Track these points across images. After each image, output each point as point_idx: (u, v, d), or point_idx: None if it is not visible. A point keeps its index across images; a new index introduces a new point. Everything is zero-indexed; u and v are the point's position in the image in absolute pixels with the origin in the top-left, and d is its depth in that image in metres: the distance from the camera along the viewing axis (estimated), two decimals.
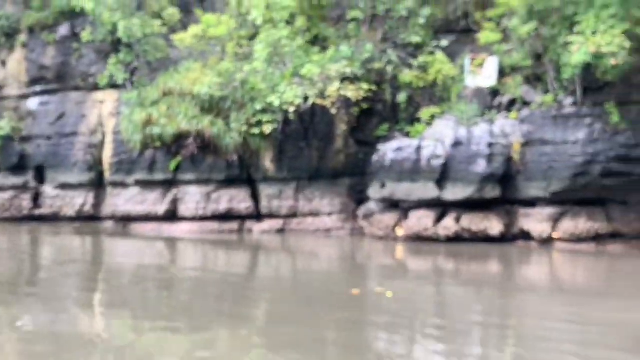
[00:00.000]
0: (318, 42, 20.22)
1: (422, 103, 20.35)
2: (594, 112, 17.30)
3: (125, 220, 20.82)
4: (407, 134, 19.90)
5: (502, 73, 20.11)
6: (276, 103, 17.79)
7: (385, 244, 18.14)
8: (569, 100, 17.82)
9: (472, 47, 20.58)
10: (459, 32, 21.11)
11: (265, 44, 18.44)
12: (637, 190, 18.10)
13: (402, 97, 19.90)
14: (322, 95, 17.54)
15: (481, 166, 17.60)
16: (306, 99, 17.77)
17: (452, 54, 20.97)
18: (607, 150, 16.95)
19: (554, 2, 16.70)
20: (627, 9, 14.95)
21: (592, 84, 17.72)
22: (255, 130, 18.65)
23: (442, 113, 19.17)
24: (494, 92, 19.70)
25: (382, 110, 20.37)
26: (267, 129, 18.34)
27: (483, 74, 20.01)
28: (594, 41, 14.92)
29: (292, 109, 17.84)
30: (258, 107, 18.37)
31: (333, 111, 18.09)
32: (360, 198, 20.10)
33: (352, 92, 17.80)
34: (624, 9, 14.93)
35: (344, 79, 18.72)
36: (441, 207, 18.30)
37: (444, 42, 20.39)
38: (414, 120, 20.06)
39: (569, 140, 17.30)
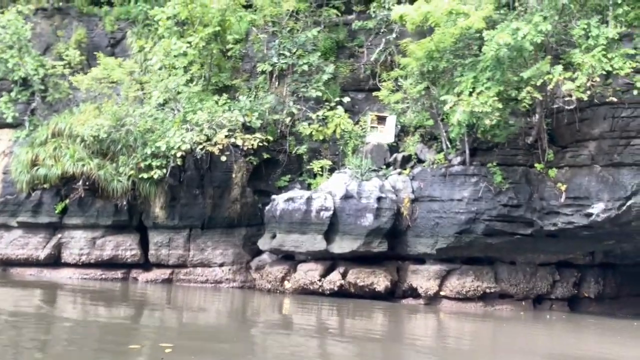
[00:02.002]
0: (227, 92, 20.24)
1: (326, 156, 20.49)
2: (481, 171, 17.66)
3: (6, 264, 19.67)
4: (309, 186, 19.86)
5: (406, 131, 20.56)
6: (163, 148, 17.49)
7: (271, 298, 17.61)
8: (458, 159, 18.18)
9: (378, 105, 21.04)
10: (367, 90, 21.59)
11: (161, 88, 18.30)
12: (523, 251, 18.39)
13: (302, 149, 19.98)
14: (210, 142, 17.33)
15: (369, 220, 17.55)
16: (197, 145, 17.52)
17: (359, 111, 21.39)
18: (490, 209, 17.21)
19: (441, 64, 17.23)
20: (503, 72, 15.53)
21: (482, 144, 18.22)
22: (145, 175, 18.20)
23: (332, 165, 19.31)
24: (394, 149, 20.03)
25: (285, 161, 20.36)
26: (156, 174, 17.93)
27: (383, 131, 20.40)
28: (469, 101, 15.36)
29: (179, 154, 17.56)
30: (148, 151, 18.01)
31: (222, 158, 17.88)
32: (256, 249, 19.67)
33: (242, 140, 17.68)
34: (500, 72, 15.51)
35: (245, 128, 18.71)
36: (330, 261, 18.05)
37: (346, 99, 20.76)
38: (316, 172, 20.11)
39: (455, 198, 17.52)
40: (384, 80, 20.82)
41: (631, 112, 15.95)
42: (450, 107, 16.46)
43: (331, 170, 19.91)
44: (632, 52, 14.97)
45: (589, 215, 16.16)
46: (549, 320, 17.45)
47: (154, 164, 18.04)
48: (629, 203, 15.72)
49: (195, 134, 17.19)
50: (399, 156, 19.58)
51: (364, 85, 21.64)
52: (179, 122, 17.74)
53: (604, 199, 16.04)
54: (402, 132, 20.44)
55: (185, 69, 18.85)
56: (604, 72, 14.97)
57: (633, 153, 15.81)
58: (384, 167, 19.38)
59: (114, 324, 12.98)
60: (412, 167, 19.07)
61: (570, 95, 15.68)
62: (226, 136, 17.31)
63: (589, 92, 14.96)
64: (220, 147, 17.25)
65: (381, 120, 20.47)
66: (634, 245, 18.31)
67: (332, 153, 20.53)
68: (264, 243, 18.53)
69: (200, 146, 17.44)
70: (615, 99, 15.46)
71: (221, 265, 19.31)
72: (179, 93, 18.17)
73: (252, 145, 18.14)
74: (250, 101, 19.15)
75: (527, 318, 17.44)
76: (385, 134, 20.26)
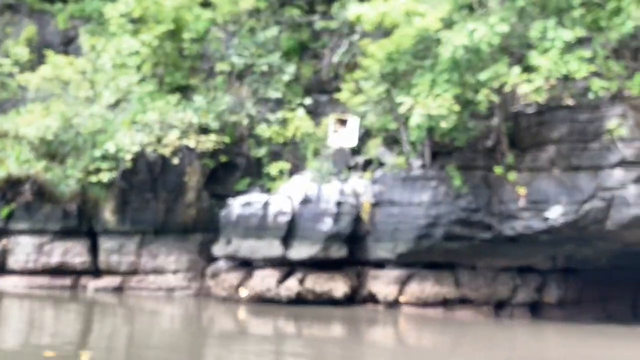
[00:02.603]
0: (184, 92, 19.62)
1: (288, 159, 20.00)
2: (440, 175, 17.35)
3: None
4: (269, 190, 19.35)
5: (370, 134, 20.18)
6: (112, 150, 16.80)
7: (225, 306, 17.01)
8: (418, 163, 17.86)
9: (343, 108, 20.64)
10: (330, 93, 21.16)
11: (113, 88, 17.63)
12: (484, 255, 18.12)
13: (261, 151, 19.47)
14: (160, 143, 16.71)
15: (327, 224, 17.12)
16: (147, 146, 16.87)
17: (322, 113, 20.93)
18: (448, 213, 16.90)
19: (400, 66, 16.88)
20: (460, 74, 15.24)
21: (443, 148, 17.92)
22: (94, 178, 17.48)
23: (293, 169, 18.83)
24: (357, 152, 19.63)
25: (245, 164, 19.82)
26: (105, 177, 17.22)
27: (345, 134, 20.00)
28: (424, 103, 15.04)
29: (128, 157, 16.89)
30: (97, 153, 17.30)
31: (175, 161, 17.26)
32: (213, 255, 19.05)
33: (194, 142, 17.09)
34: (457, 74, 15.22)
35: (202, 130, 18.14)
36: (288, 267, 17.54)
37: (308, 100, 20.31)
38: (274, 176, 19.59)
39: (414, 202, 17.18)
40: (347, 82, 20.46)
41: (588, 116, 15.81)
42: (407, 110, 16.16)
43: (292, 174, 19.46)
44: (587, 55, 14.79)
45: (547, 219, 15.96)
46: (510, 325, 17.23)
47: (103, 166, 17.33)
48: (585, 207, 15.58)
49: (145, 135, 16.54)
50: (361, 160, 19.21)
51: (328, 88, 21.21)
52: (129, 122, 17.07)
53: (562, 202, 15.86)
54: (366, 135, 20.07)
55: (138, 68, 18.19)
56: (562, 76, 14.76)
57: (590, 157, 15.68)
58: (346, 170, 18.97)
59: (45, 331, 12.32)
60: (373, 171, 18.71)
61: (527, 98, 15.50)
62: (178, 137, 16.68)
63: (546, 95, 14.74)
64: (172, 148, 16.63)
65: (343, 123, 20.08)
66: (594, 250, 18.20)
67: (294, 156, 20.06)
68: (219, 249, 17.95)
69: (151, 148, 16.79)
70: (571, 103, 15.29)
71: (175, 272, 18.64)
72: (130, 93, 17.50)
73: (207, 147, 17.55)
74: (207, 102, 18.58)
75: (488, 323, 17.19)
76: (347, 137, 19.86)
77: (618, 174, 15.47)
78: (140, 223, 18.54)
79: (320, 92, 21.33)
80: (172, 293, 18.43)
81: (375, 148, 19.29)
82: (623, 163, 15.47)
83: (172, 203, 18.65)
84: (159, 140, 16.78)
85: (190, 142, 17.05)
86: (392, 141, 19.59)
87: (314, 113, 20.69)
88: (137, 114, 17.16)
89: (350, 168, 19.16)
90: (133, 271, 18.51)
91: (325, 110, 21.02)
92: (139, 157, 17.48)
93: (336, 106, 21.06)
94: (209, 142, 17.47)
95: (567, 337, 15.66)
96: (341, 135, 19.87)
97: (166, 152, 16.69)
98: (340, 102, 20.55)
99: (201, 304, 17.38)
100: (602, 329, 17.18)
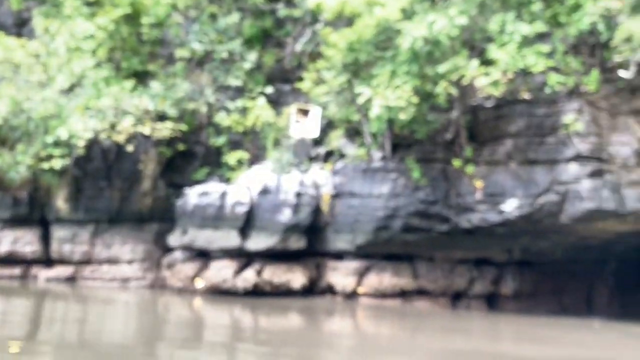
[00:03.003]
0: (142, 78, 19.12)
1: (249, 149, 19.72)
2: (400, 167, 17.33)
3: None
4: (228, 180, 19.06)
5: (332, 125, 20.01)
6: (64, 136, 16.28)
7: (180, 297, 16.74)
8: (378, 155, 17.81)
9: (305, 97, 20.40)
10: (293, 82, 20.89)
11: (67, 73, 17.05)
12: (441, 247, 18.23)
13: (220, 140, 19.14)
14: (114, 130, 16.26)
15: (286, 215, 16.95)
16: (100, 133, 16.40)
17: (285, 103, 20.65)
18: (407, 205, 16.91)
19: (361, 56, 16.74)
20: (420, 66, 15.18)
21: (403, 140, 17.90)
22: (46, 165, 16.93)
23: (250, 159, 18.59)
24: (320, 143, 19.46)
25: (204, 153, 19.47)
26: (57, 164, 16.69)
27: (307, 125, 19.80)
28: (383, 94, 14.95)
29: (81, 143, 16.39)
30: (49, 139, 16.74)
31: (130, 148, 16.83)
32: (169, 246, 18.70)
33: (150, 129, 16.68)
34: (418, 65, 15.15)
35: (160, 117, 17.71)
36: (246, 258, 17.34)
37: (269, 89, 20.01)
38: (233, 165, 19.30)
39: (374, 194, 17.14)
40: (310, 72, 20.22)
41: (546, 111, 15.96)
42: (366, 101, 16.06)
43: (252, 164, 19.20)
44: (545, 50, 14.88)
45: (503, 212, 16.10)
46: (467, 316, 17.38)
47: (55, 153, 16.79)
48: (540, 200, 15.76)
49: (99, 121, 16.06)
50: (322, 151, 19.06)
51: (290, 77, 20.92)
52: (82, 108, 16.56)
53: (518, 196, 16.00)
54: (328, 126, 19.91)
55: (94, 52, 17.64)
56: (520, 70, 14.81)
57: (547, 151, 15.84)
58: (307, 161, 18.79)
59: None
60: (334, 162, 18.59)
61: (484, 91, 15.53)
62: (132, 124, 16.25)
63: (503, 89, 14.79)
64: (126, 135, 16.19)
65: (305, 113, 19.88)
66: (550, 243, 18.47)
67: (254, 146, 19.78)
68: (175, 239, 17.63)
69: (105, 134, 16.33)
70: (528, 97, 15.40)
71: (130, 262, 18.24)
72: (84, 77, 16.96)
73: (164, 135, 17.15)
74: (165, 89, 18.13)
75: (445, 314, 17.31)
76: (309, 128, 19.67)
77: (573, 168, 15.68)
78: (94, 211, 18.09)
79: (283, 81, 21.04)
80: (127, 283, 18.05)
81: (336, 139, 19.15)
82: (578, 158, 15.70)
83: (127, 191, 18.23)
84: (112, 126, 16.31)
85: (145, 129, 16.62)
86: (354, 132, 19.48)
87: (276, 102, 20.41)
88: (91, 100, 16.64)
89: (312, 159, 18.99)
90: (86, 261, 18.06)
91: (288, 99, 20.74)
92: (92, 144, 17.00)
93: (299, 96, 20.82)
94: (165, 129, 17.06)
95: (521, 329, 15.86)
96: (303, 126, 19.67)
97: (120, 139, 16.25)
98: (303, 92, 20.35)
99: (156, 294, 17.07)
100: (556, 321, 17.46)
